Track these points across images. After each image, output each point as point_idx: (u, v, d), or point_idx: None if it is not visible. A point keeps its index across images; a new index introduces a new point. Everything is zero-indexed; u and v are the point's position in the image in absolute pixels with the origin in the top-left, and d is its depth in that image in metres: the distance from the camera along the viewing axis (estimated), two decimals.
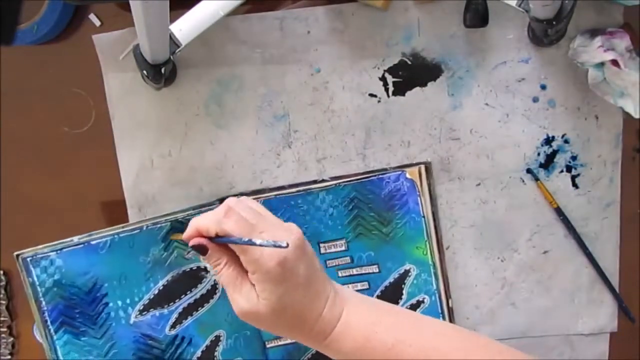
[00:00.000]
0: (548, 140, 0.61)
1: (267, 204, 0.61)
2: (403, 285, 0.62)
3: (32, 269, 0.57)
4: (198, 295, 0.61)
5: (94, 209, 0.64)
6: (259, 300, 0.44)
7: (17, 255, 0.57)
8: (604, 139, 0.61)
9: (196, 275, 0.61)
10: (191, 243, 0.46)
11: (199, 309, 0.61)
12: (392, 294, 0.62)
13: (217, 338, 0.61)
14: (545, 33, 0.54)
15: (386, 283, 0.62)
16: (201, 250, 0.46)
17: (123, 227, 0.58)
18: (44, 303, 0.58)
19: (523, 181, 0.62)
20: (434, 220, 0.61)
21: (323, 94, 0.61)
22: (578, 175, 0.62)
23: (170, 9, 0.45)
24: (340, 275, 0.62)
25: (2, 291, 0.65)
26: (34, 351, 0.66)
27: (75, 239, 0.57)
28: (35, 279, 0.57)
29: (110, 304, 0.59)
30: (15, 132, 0.63)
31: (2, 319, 0.66)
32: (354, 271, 0.62)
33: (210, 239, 0.46)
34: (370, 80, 0.61)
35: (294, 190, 0.61)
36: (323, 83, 0.61)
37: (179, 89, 0.61)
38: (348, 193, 0.61)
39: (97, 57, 0.61)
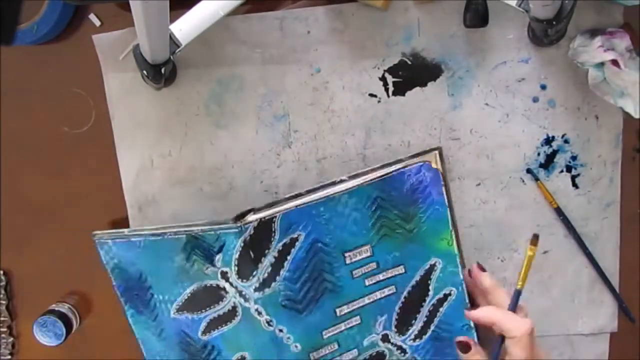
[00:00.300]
0: (548, 140, 0.61)
1: (287, 218, 0.55)
2: (429, 281, 0.58)
3: (99, 249, 0.60)
4: (221, 312, 0.59)
5: (94, 209, 0.64)
6: None
7: (93, 235, 0.60)
8: (604, 139, 0.61)
9: (216, 293, 0.58)
10: (459, 339, 0.55)
11: (223, 325, 0.59)
12: (418, 294, 0.59)
13: (243, 358, 0.59)
14: (545, 33, 0.54)
15: (412, 283, 0.58)
16: (464, 348, 0.54)
17: (151, 231, 0.58)
18: (112, 279, 0.61)
19: (523, 181, 0.62)
20: (450, 207, 0.58)
21: (323, 94, 0.61)
22: (578, 175, 0.62)
23: (170, 9, 0.45)
24: (367, 284, 0.58)
25: (2, 291, 0.65)
26: (34, 351, 0.66)
27: (126, 231, 0.59)
28: (103, 258, 0.60)
29: (155, 295, 0.60)
30: (15, 132, 0.63)
31: (2, 319, 0.66)
32: (381, 276, 0.58)
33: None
34: (370, 80, 0.61)
35: (314, 197, 0.56)
36: (323, 83, 0.61)
37: (179, 89, 0.61)
38: (370, 193, 0.57)
39: (97, 57, 0.61)
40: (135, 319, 0.62)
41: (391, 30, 0.60)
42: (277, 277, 0.56)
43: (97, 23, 0.61)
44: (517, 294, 0.53)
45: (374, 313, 0.58)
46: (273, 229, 0.55)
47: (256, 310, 0.57)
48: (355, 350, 0.59)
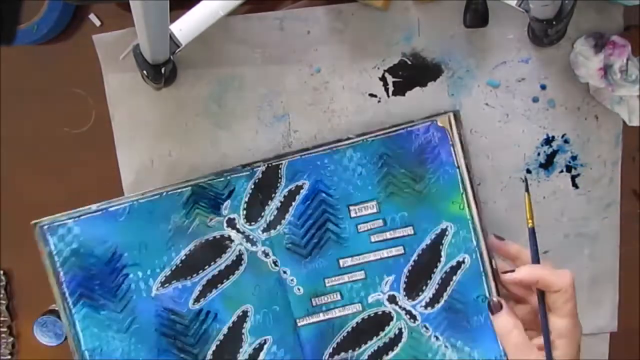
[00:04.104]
0: (548, 140, 0.61)
1: (292, 166, 0.57)
2: (441, 247, 0.57)
3: (49, 237, 0.56)
4: (223, 267, 0.58)
5: None
6: None
7: (35, 224, 0.56)
8: (604, 139, 0.61)
9: (220, 245, 0.58)
10: (491, 298, 0.54)
11: (224, 281, 0.58)
12: (429, 258, 0.57)
13: (244, 314, 0.58)
14: (545, 33, 0.54)
15: (423, 246, 0.57)
16: (496, 307, 0.52)
17: (143, 194, 0.57)
18: (61, 274, 0.56)
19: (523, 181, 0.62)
20: (468, 171, 0.56)
21: (323, 94, 0.61)
22: (578, 175, 0.62)
23: (170, 9, 0.45)
24: (373, 240, 0.58)
25: (2, 291, 0.65)
26: (34, 351, 0.66)
27: (94, 206, 0.56)
28: (53, 247, 0.56)
29: (131, 275, 0.57)
30: (15, 132, 0.63)
31: (2, 319, 0.66)
32: (388, 235, 0.58)
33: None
34: (370, 80, 0.61)
35: (319, 149, 0.57)
36: (323, 83, 0.61)
37: (179, 89, 0.61)
38: (376, 149, 0.57)
39: (97, 57, 0.61)
40: (89, 321, 0.57)
41: (391, 30, 0.60)
42: (282, 221, 0.58)
43: (97, 23, 0.61)
44: (532, 232, 0.51)
45: (380, 271, 0.58)
46: (279, 175, 0.57)
47: (263, 252, 0.58)
48: (359, 304, 0.59)
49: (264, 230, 0.58)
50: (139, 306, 0.57)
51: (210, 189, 0.57)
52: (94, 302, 0.57)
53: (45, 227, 0.56)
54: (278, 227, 0.58)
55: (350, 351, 0.59)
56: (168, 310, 0.58)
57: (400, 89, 0.61)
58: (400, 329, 0.59)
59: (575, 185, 0.62)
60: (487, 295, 0.55)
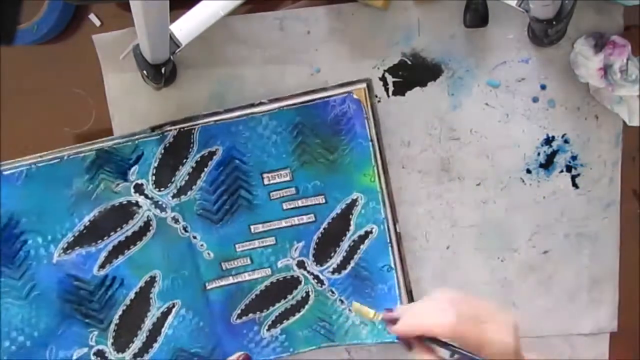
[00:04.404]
0: (548, 140, 0.61)
1: (205, 131, 0.56)
2: (351, 216, 0.59)
3: None
4: (129, 233, 0.56)
5: None
6: None
7: None
8: (604, 139, 0.61)
9: (127, 211, 0.56)
10: (400, 336, 0.44)
11: (131, 247, 0.56)
12: (339, 227, 0.59)
13: (152, 279, 0.57)
14: (545, 33, 0.54)
15: (333, 214, 0.59)
16: (407, 346, 0.45)
17: (41, 156, 0.54)
18: None
19: (523, 181, 0.62)
20: (379, 144, 0.57)
21: None
22: (578, 175, 0.62)
23: (170, 9, 0.45)
24: (285, 207, 0.59)
25: None
26: None
27: None
28: None
29: (30, 241, 0.55)
30: (15, 132, 0.63)
31: None
32: (300, 202, 0.59)
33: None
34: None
35: (233, 115, 0.56)
36: (323, 83, 0.61)
37: (179, 89, 0.61)
38: (292, 118, 0.57)
39: (97, 57, 0.61)
40: None
41: (391, 30, 0.60)
42: (194, 187, 0.57)
43: (97, 23, 0.61)
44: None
45: (291, 237, 0.59)
46: (192, 140, 0.56)
47: (173, 218, 0.57)
48: (269, 269, 0.59)
49: (174, 196, 0.57)
50: (40, 273, 0.55)
51: (116, 153, 0.55)
52: None
53: None
54: (189, 192, 0.57)
55: (258, 312, 0.60)
56: (71, 277, 0.56)
57: (400, 89, 0.61)
58: (307, 292, 0.60)
59: (575, 185, 0.62)
60: (392, 266, 0.55)
